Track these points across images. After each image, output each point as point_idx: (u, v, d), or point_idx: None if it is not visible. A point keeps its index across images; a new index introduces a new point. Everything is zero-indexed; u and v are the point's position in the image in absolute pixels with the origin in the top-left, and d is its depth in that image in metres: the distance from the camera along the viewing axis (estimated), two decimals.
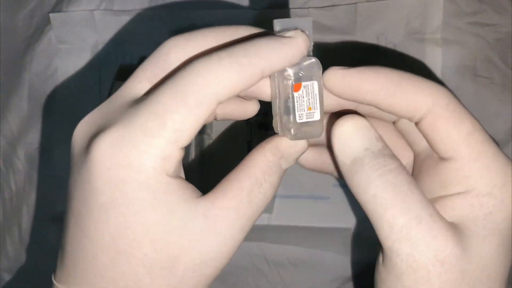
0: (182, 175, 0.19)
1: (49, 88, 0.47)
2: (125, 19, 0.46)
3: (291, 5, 0.44)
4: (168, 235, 0.17)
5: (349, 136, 0.18)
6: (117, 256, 0.17)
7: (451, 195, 0.18)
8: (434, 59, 0.43)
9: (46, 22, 0.47)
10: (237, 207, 0.18)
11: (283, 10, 0.44)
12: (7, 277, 0.48)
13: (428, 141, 0.19)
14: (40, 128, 0.48)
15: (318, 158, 0.23)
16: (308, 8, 0.44)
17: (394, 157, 0.18)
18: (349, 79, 0.19)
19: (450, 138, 0.18)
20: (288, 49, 0.18)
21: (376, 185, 0.17)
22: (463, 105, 0.19)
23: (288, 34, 0.18)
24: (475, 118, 0.19)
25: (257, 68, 0.17)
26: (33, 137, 0.48)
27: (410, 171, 0.21)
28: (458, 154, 0.18)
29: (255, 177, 0.19)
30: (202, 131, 0.44)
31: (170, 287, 0.18)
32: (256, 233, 0.45)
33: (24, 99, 0.48)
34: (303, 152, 0.20)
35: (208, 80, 0.17)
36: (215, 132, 0.46)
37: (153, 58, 0.20)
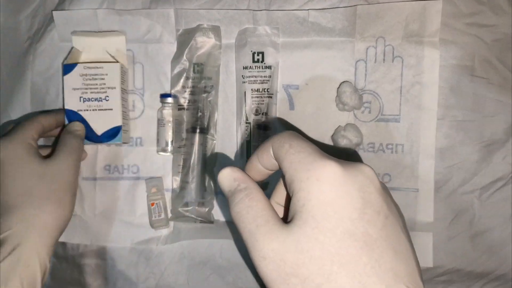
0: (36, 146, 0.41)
1: (51, 87, 0.48)
2: (127, 18, 0.46)
3: (290, 7, 0.44)
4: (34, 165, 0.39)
5: (220, 182, 0.27)
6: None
7: (291, 200, 0.24)
8: (432, 61, 0.43)
9: (49, 21, 0.47)
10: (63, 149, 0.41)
11: (282, 12, 0.44)
12: None
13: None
14: None
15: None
16: (308, 10, 0.44)
17: (241, 191, 0.26)
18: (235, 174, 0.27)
19: (278, 160, 0.26)
20: None
21: (231, 213, 0.26)
22: (294, 135, 0.26)
23: None
24: (300, 139, 0.25)
25: None
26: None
27: None
28: (284, 169, 0.25)
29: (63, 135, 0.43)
30: (206, 131, 0.45)
31: (47, 190, 0.38)
32: None
33: (27, 97, 0.48)
34: None
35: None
36: (216, 132, 0.46)
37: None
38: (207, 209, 0.45)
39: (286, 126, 0.45)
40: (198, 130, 0.45)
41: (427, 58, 0.43)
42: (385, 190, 0.25)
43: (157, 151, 0.46)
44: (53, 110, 0.47)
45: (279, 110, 0.45)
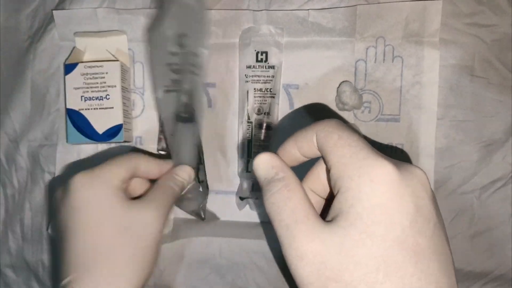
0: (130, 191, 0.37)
1: (51, 86, 0.48)
2: (127, 17, 0.46)
3: (290, 7, 0.45)
4: (121, 211, 0.32)
5: (256, 168, 0.26)
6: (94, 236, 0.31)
7: (336, 197, 0.23)
8: (432, 61, 0.43)
9: (49, 20, 0.47)
10: (156, 196, 0.35)
11: (282, 12, 0.44)
12: (9, 272, 0.49)
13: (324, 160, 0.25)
14: (43, 125, 0.48)
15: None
16: (307, 9, 0.44)
17: (279, 180, 0.24)
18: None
19: (325, 151, 0.24)
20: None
21: (266, 203, 0.24)
22: (341, 125, 0.24)
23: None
24: (349, 131, 0.24)
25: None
26: (36, 135, 0.48)
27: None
28: (330, 163, 0.23)
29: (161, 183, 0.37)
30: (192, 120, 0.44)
31: (128, 246, 0.31)
32: (254, 230, 0.45)
33: (27, 96, 0.48)
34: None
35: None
36: (218, 131, 0.46)
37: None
38: (197, 203, 0.44)
39: (288, 126, 0.45)
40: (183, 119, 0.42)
41: (427, 58, 0.43)
42: (435, 198, 0.24)
43: (157, 150, 0.46)
44: (162, 156, 0.43)
45: (279, 109, 0.45)
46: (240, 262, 0.45)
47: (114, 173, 0.33)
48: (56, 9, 0.47)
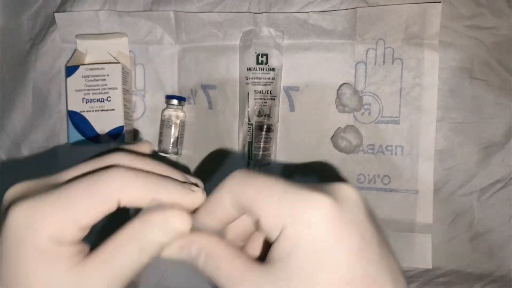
0: (82, 245, 0.22)
1: (53, 88, 0.48)
2: (128, 19, 0.46)
3: (290, 9, 0.45)
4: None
5: (168, 258, 0.23)
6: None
7: (273, 245, 0.21)
8: (432, 63, 0.43)
9: (51, 22, 0.48)
10: (101, 269, 0.21)
11: (283, 14, 0.44)
12: None
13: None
14: (44, 127, 0.48)
15: None
16: (308, 12, 0.44)
17: (198, 257, 0.22)
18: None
19: (247, 207, 0.21)
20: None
21: (207, 280, 0.22)
22: (250, 174, 0.22)
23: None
24: (262, 177, 0.21)
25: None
26: (37, 136, 0.48)
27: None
28: (256, 217, 0.21)
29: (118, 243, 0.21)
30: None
31: None
32: None
33: (28, 98, 0.48)
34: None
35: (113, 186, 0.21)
36: (218, 133, 0.46)
37: (92, 162, 0.24)
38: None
39: (287, 128, 0.45)
40: None
41: (426, 60, 0.43)
42: (369, 210, 0.22)
43: (158, 152, 0.47)
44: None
45: (280, 111, 0.46)
46: None
47: (77, 214, 0.21)
48: (57, 11, 0.47)
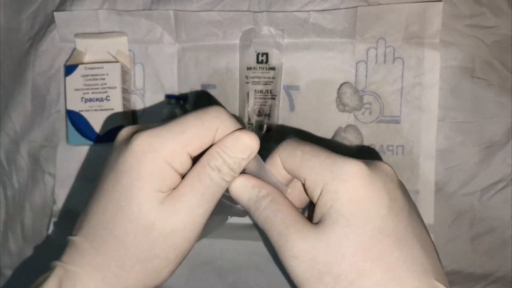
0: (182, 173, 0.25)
1: (52, 87, 0.48)
2: (128, 19, 0.46)
3: (291, 8, 0.45)
4: (150, 206, 0.24)
5: (236, 193, 0.26)
6: (118, 211, 0.24)
7: (316, 203, 0.24)
8: (433, 62, 0.43)
9: (50, 22, 0.47)
10: (191, 189, 0.25)
11: (283, 13, 0.44)
12: (9, 273, 0.49)
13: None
14: (43, 126, 0.48)
15: None
16: (308, 11, 0.44)
17: (264, 197, 0.25)
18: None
19: (293, 170, 0.25)
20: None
21: (258, 220, 0.26)
22: (299, 142, 0.26)
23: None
24: (308, 145, 0.25)
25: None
26: (36, 135, 0.48)
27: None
28: (302, 177, 0.25)
29: (202, 165, 0.25)
30: None
31: (146, 246, 0.24)
32: (256, 232, 0.45)
33: (28, 97, 0.48)
34: (240, 152, 0.25)
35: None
36: None
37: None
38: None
39: (287, 128, 0.45)
40: None
41: (427, 60, 0.43)
42: (404, 187, 0.25)
43: None
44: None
45: (280, 111, 0.45)
46: (241, 263, 0.45)
47: (188, 140, 0.24)
48: (57, 10, 0.47)
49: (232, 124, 0.25)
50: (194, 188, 0.25)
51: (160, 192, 0.24)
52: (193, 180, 0.25)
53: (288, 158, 0.26)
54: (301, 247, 0.23)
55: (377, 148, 0.44)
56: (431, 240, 0.24)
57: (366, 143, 0.44)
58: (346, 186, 0.23)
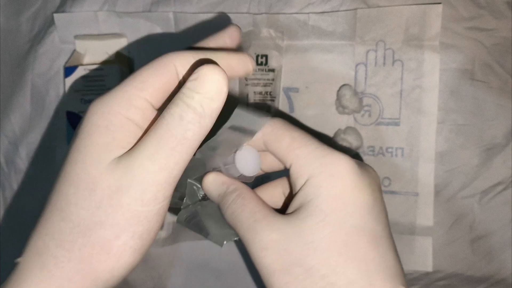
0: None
1: (51, 88, 0.48)
2: (127, 20, 0.46)
3: (290, 10, 0.45)
4: (96, 163, 0.21)
5: (208, 188, 0.26)
6: (64, 178, 0.22)
7: (296, 194, 0.24)
8: (432, 65, 0.43)
9: (50, 23, 0.47)
10: (144, 142, 0.21)
11: (283, 15, 0.44)
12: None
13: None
14: (42, 128, 0.48)
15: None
16: (308, 13, 0.44)
17: (231, 192, 0.25)
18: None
19: (279, 153, 0.25)
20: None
21: (226, 216, 0.25)
22: (288, 125, 0.25)
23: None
24: (298, 131, 0.25)
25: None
26: (35, 137, 0.48)
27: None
28: (287, 163, 0.24)
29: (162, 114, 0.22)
30: None
31: (87, 211, 0.21)
32: None
33: (27, 99, 0.48)
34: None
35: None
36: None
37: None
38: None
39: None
40: None
41: (427, 62, 0.43)
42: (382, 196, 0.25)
43: None
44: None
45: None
46: (239, 265, 0.45)
47: (142, 84, 0.22)
48: (56, 12, 0.47)
49: (193, 60, 0.22)
50: (147, 141, 0.21)
51: (114, 148, 0.21)
52: (150, 132, 0.21)
53: (275, 143, 0.25)
54: (271, 237, 0.22)
55: (376, 150, 0.44)
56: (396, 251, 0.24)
57: (365, 145, 0.44)
58: (332, 181, 0.22)
